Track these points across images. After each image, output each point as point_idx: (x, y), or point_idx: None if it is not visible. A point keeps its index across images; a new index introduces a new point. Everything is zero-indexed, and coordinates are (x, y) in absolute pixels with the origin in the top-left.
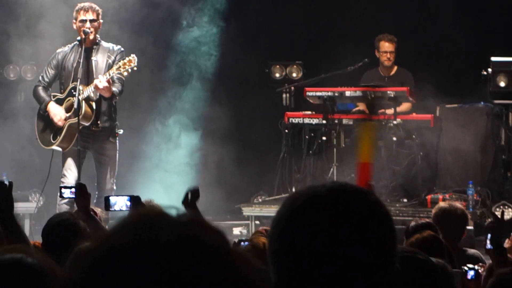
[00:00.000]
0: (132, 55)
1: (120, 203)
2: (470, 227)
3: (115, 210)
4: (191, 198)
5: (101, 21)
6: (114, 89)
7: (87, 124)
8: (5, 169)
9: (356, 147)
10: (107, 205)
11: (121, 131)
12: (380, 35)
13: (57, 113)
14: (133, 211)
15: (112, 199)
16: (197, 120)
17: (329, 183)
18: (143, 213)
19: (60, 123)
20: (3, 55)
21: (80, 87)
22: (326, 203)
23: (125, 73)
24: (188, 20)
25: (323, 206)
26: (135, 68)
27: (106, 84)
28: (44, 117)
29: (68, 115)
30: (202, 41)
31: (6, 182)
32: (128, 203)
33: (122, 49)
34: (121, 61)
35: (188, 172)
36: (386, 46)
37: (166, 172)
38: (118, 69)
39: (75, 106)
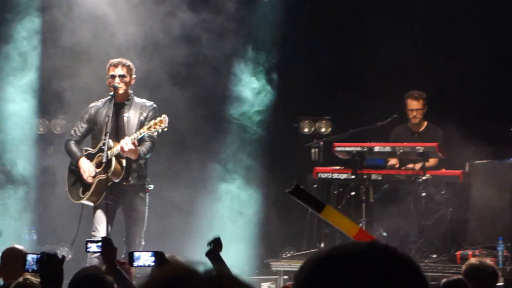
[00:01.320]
0: (163, 115)
1: (144, 259)
2: (500, 283)
3: (138, 266)
4: (213, 249)
5: (133, 76)
6: (141, 149)
7: (116, 180)
8: (34, 223)
9: (340, 230)
10: (131, 260)
11: (151, 187)
12: (408, 92)
13: (86, 169)
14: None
15: (136, 254)
16: (231, 172)
17: (364, 242)
18: (171, 269)
19: (89, 180)
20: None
21: (111, 143)
22: (353, 264)
23: (155, 133)
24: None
25: (350, 268)
26: (166, 129)
27: (132, 147)
28: (75, 172)
29: (98, 170)
30: (245, 96)
31: (61, 255)
32: (152, 259)
33: (155, 105)
34: (152, 121)
35: (220, 224)
36: (413, 104)
37: (197, 222)
38: (148, 128)
39: (104, 160)
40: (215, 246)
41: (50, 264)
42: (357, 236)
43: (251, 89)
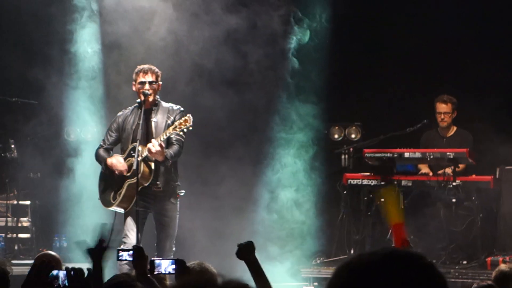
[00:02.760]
0: (188, 115)
1: (165, 266)
2: None
3: (160, 273)
4: (246, 251)
5: (160, 82)
6: (168, 151)
7: (145, 184)
8: (66, 231)
9: (385, 212)
10: (152, 268)
11: (182, 192)
12: (438, 96)
13: (116, 162)
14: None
15: (157, 262)
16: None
17: (380, 250)
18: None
19: (124, 172)
20: (63, 116)
21: (139, 148)
22: (379, 272)
23: (181, 133)
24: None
25: (377, 275)
26: (191, 128)
27: (159, 149)
28: (106, 177)
29: (128, 174)
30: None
31: (85, 270)
32: (173, 267)
33: (182, 108)
34: (177, 121)
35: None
36: (441, 108)
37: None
38: (174, 129)
39: (134, 167)
40: (247, 249)
41: (78, 279)
42: (395, 227)
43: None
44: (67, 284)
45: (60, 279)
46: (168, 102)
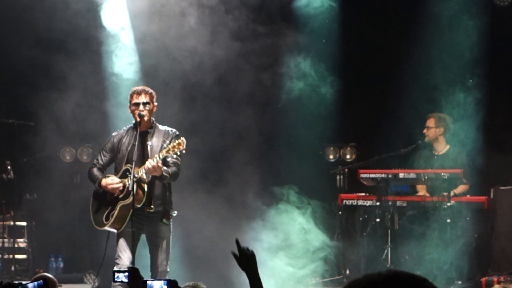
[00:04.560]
0: (181, 138)
1: (157, 287)
2: None
3: None
4: (248, 262)
5: (155, 104)
6: (165, 169)
7: (138, 206)
8: (61, 251)
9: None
10: None
11: (175, 213)
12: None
13: (111, 181)
14: None
15: (149, 283)
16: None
17: (385, 271)
18: None
19: (117, 188)
20: (60, 138)
21: (133, 170)
22: None
23: (174, 156)
24: None
25: None
26: (184, 151)
27: (155, 164)
28: (99, 197)
29: (121, 195)
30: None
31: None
32: (165, 287)
33: (178, 133)
34: (170, 144)
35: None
36: (427, 122)
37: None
38: (167, 152)
39: (130, 188)
40: (249, 260)
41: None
42: None
43: None
44: None
45: None
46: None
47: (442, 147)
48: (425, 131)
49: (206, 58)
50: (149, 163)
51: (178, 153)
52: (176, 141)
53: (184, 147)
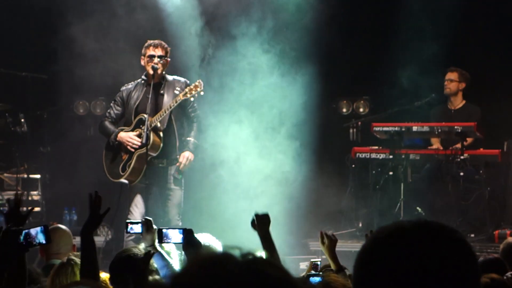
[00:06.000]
0: (198, 80)
1: (173, 235)
2: None
3: (168, 242)
4: (262, 224)
5: (168, 59)
6: (193, 142)
7: (155, 154)
8: (75, 204)
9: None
10: (160, 237)
11: (185, 168)
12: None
13: (129, 138)
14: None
15: (164, 231)
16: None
17: (415, 219)
18: (208, 255)
19: (135, 146)
20: (73, 90)
21: (148, 119)
22: (412, 238)
23: (192, 98)
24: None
25: (409, 241)
26: (202, 93)
27: (191, 159)
28: (113, 149)
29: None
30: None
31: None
32: (181, 236)
33: (188, 81)
34: (188, 87)
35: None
36: (447, 75)
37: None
38: (184, 95)
39: (144, 141)
40: (262, 220)
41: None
42: None
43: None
44: (41, 241)
45: (32, 236)
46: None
47: (458, 102)
48: (446, 83)
49: None
50: (186, 160)
51: (196, 95)
52: (193, 84)
53: (202, 88)
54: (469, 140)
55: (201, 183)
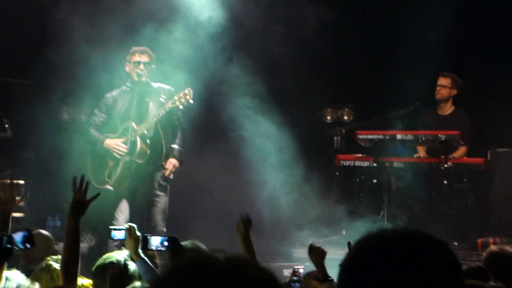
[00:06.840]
0: (187, 88)
1: (157, 242)
2: None
3: (152, 249)
4: (244, 226)
5: (153, 66)
6: (178, 149)
7: (141, 161)
8: (58, 210)
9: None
10: (145, 244)
11: (171, 175)
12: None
13: (115, 145)
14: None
15: (149, 238)
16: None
17: (400, 228)
18: (192, 257)
19: (121, 152)
20: (58, 96)
21: (135, 127)
22: (397, 248)
23: (181, 106)
24: None
25: (394, 250)
26: (191, 101)
27: (177, 165)
28: (99, 156)
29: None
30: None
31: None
32: (166, 243)
33: (173, 89)
34: (176, 95)
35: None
36: (439, 80)
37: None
38: (173, 103)
39: (128, 147)
40: (245, 223)
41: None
42: None
43: None
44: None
45: (15, 241)
46: None
47: (448, 108)
48: (438, 89)
49: None
50: (172, 166)
51: (185, 103)
52: (181, 93)
53: (191, 96)
54: (463, 149)
55: (185, 187)
